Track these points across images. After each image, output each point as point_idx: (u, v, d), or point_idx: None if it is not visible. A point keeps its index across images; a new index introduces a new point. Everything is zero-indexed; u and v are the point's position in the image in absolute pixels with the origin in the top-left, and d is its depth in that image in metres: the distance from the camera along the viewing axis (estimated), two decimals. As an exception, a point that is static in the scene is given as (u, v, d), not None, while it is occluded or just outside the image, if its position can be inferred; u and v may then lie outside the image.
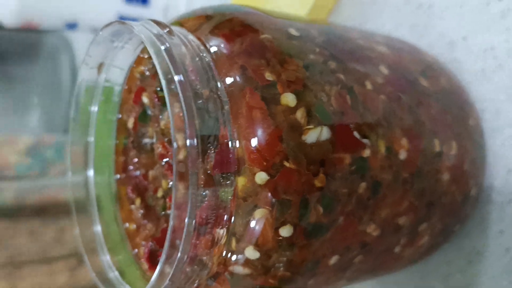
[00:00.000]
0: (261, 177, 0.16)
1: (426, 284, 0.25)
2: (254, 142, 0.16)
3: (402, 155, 0.19)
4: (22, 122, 0.55)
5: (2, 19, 0.47)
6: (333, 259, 0.18)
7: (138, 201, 0.22)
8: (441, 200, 0.21)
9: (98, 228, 0.21)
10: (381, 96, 0.19)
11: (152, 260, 0.20)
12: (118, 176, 0.23)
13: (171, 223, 0.15)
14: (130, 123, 0.22)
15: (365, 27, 0.28)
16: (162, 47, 0.16)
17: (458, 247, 0.24)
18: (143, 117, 0.22)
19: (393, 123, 0.19)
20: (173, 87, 0.16)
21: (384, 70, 0.19)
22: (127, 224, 0.22)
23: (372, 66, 0.19)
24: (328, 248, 0.18)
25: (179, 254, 0.16)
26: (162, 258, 0.16)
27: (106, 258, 0.20)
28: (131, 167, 0.22)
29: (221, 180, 0.16)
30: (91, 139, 0.22)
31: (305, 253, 0.17)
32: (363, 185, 0.18)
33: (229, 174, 0.16)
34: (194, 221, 0.16)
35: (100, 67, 0.21)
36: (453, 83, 0.22)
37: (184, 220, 0.16)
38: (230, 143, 0.16)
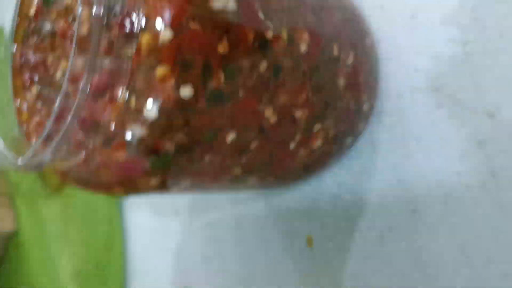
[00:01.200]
0: (166, 33, 0.16)
1: (316, 204, 0.27)
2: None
3: (303, 47, 0.20)
4: None
5: None
6: (231, 136, 0.19)
7: (34, 89, 0.21)
8: (336, 104, 0.22)
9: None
10: (287, -11, 0.20)
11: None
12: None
13: (63, 86, 0.15)
14: (32, 10, 0.22)
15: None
16: None
17: (348, 168, 0.26)
18: (47, 1, 0.21)
19: (296, 16, 0.20)
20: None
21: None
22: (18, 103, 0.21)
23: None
24: (227, 121, 0.18)
25: (69, 117, 0.16)
26: (51, 117, 0.16)
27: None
28: (30, 54, 0.22)
29: (125, 41, 0.16)
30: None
31: (204, 119, 0.18)
32: (264, 64, 0.18)
33: (133, 31, 0.16)
34: (88, 86, 0.16)
35: None
36: (354, 7, 0.24)
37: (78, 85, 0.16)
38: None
